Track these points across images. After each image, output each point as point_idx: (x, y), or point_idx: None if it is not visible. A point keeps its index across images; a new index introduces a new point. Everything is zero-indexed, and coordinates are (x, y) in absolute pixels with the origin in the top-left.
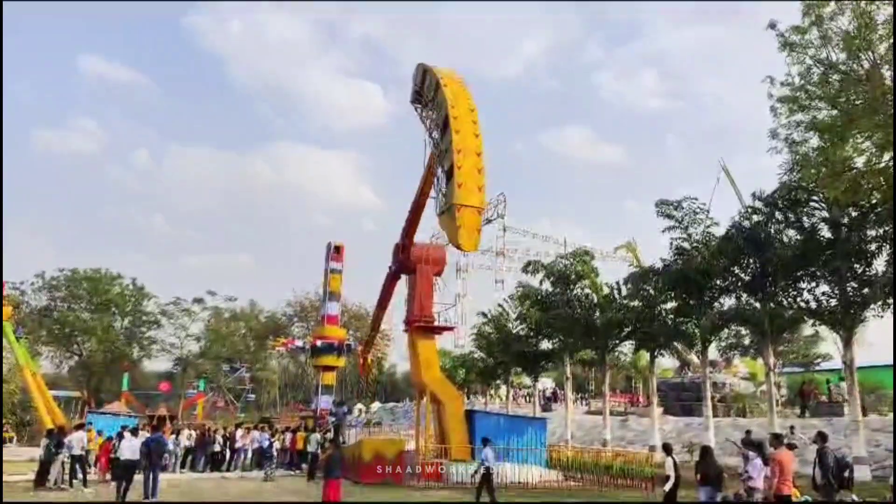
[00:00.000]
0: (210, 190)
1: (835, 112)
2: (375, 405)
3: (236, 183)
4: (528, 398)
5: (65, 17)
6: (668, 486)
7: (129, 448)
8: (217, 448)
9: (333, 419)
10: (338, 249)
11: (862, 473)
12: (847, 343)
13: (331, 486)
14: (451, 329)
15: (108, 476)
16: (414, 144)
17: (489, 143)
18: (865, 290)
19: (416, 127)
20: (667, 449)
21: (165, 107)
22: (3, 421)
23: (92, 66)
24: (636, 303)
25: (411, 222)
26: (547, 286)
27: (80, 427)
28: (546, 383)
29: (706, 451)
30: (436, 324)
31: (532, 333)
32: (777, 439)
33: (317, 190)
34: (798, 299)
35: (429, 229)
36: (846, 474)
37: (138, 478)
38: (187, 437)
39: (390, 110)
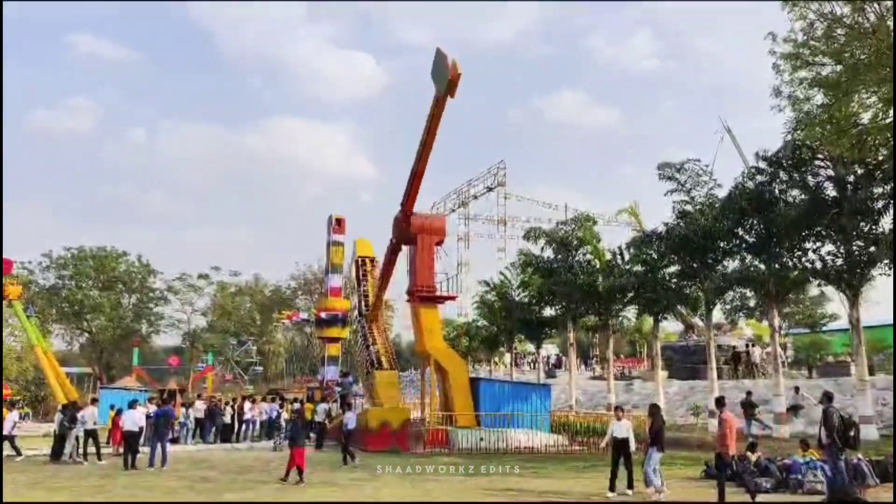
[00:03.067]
0: (206, 165)
1: (840, 67)
2: None
3: (232, 157)
4: (532, 365)
5: None
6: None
7: (130, 420)
8: (227, 420)
9: (340, 389)
10: (339, 222)
11: (869, 432)
12: (853, 302)
13: (297, 454)
14: (452, 298)
15: (122, 449)
16: (409, 115)
17: (483, 110)
18: (872, 249)
19: (410, 97)
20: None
21: (158, 83)
22: (19, 398)
23: (83, 44)
24: (639, 267)
25: (410, 192)
26: (549, 253)
27: (93, 402)
28: (550, 350)
29: (655, 411)
30: (438, 293)
31: (534, 301)
32: (720, 402)
33: (313, 163)
34: (803, 259)
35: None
36: (851, 433)
37: (146, 449)
38: (198, 410)
39: (384, 81)
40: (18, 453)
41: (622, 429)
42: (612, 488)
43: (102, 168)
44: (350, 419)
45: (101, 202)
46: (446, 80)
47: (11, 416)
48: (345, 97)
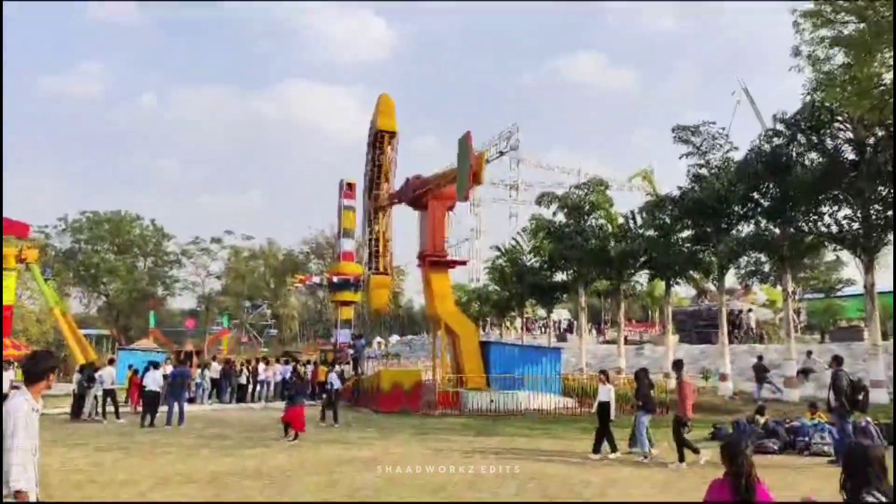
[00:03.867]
0: (218, 130)
1: (862, 25)
2: (394, 338)
3: (244, 121)
4: (543, 330)
5: None
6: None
7: (153, 380)
8: (242, 381)
9: (352, 352)
10: (350, 186)
11: (880, 396)
12: (868, 267)
13: (293, 412)
14: (463, 263)
15: (140, 408)
16: (419, 77)
17: (497, 72)
18: (889, 213)
19: (421, 60)
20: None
21: (168, 48)
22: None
23: (92, 8)
24: (651, 232)
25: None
26: (561, 217)
27: (111, 362)
28: (561, 315)
29: (641, 375)
30: (449, 258)
31: (546, 266)
32: (678, 366)
33: (325, 126)
34: (819, 224)
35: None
36: (860, 397)
37: (164, 408)
38: (214, 371)
39: (395, 43)
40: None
41: (605, 393)
42: (595, 450)
43: (114, 133)
44: (334, 379)
45: (113, 168)
46: (467, 167)
47: (7, 375)
48: (356, 60)
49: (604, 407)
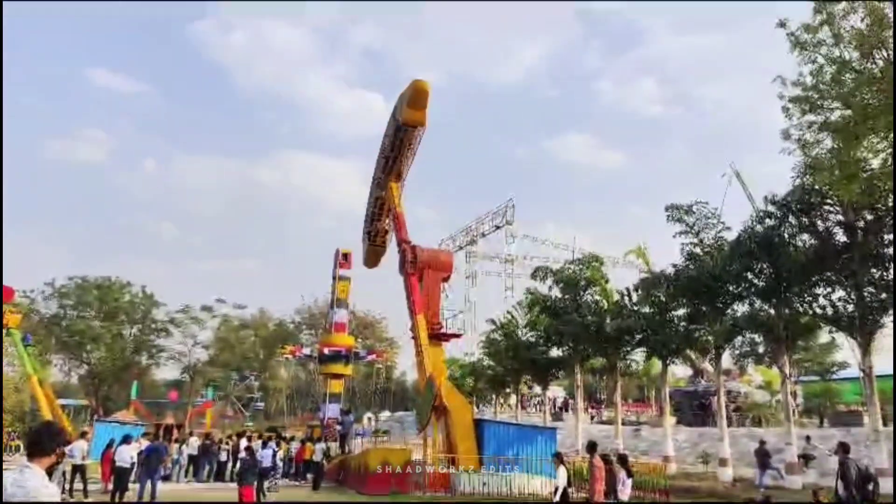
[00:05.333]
0: (217, 197)
1: (848, 112)
2: (385, 414)
3: (243, 190)
4: (538, 407)
5: (69, 30)
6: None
7: (121, 455)
8: (223, 457)
9: (340, 428)
10: (346, 256)
11: (885, 485)
12: (865, 350)
13: (245, 492)
14: (458, 336)
15: (111, 485)
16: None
17: (491, 149)
18: (884, 295)
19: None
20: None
21: (171, 116)
22: (13, 430)
23: (99, 77)
24: (647, 309)
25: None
26: (556, 292)
27: (83, 435)
28: (557, 392)
29: (592, 448)
30: (443, 330)
31: (542, 341)
32: (592, 447)
33: (322, 197)
34: (814, 305)
35: (432, 239)
36: (870, 487)
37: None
38: (192, 447)
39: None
40: None
41: (561, 476)
42: None
43: (114, 199)
44: (316, 451)
45: (112, 232)
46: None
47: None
48: (354, 134)
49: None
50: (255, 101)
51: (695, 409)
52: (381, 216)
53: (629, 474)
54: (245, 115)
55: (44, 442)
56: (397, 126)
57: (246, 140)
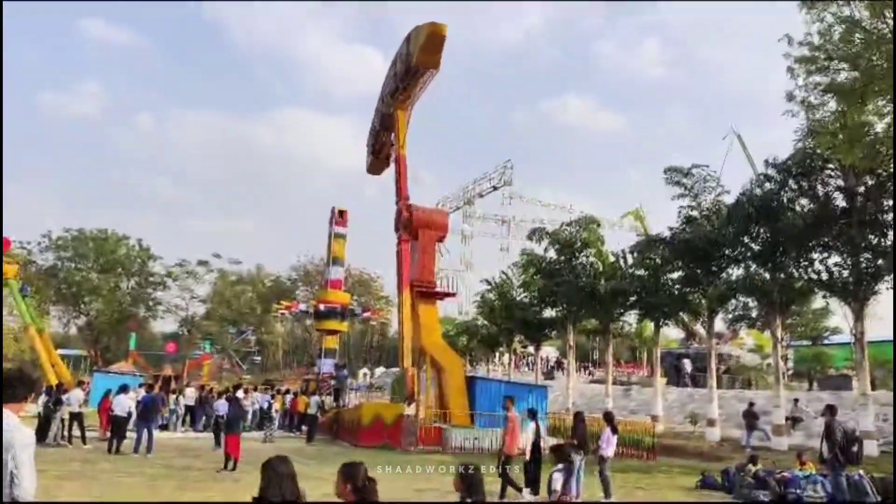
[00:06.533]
0: (212, 154)
1: (855, 73)
2: (380, 370)
3: (238, 147)
4: (530, 366)
5: None
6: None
7: (120, 404)
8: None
9: (335, 382)
10: (341, 214)
11: (869, 448)
12: (858, 316)
13: (230, 440)
14: (452, 295)
15: (108, 434)
16: (413, 111)
17: (490, 112)
18: (880, 262)
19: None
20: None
21: (167, 71)
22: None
23: (94, 29)
24: (642, 272)
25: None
26: (552, 254)
27: (80, 384)
28: (549, 352)
29: (578, 418)
30: (437, 289)
31: (536, 301)
32: (509, 400)
33: (318, 155)
34: (809, 270)
35: (429, 199)
36: (854, 448)
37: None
38: (189, 398)
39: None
40: None
41: (529, 431)
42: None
43: (109, 153)
44: (311, 404)
45: (107, 186)
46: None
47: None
48: (351, 91)
49: (535, 445)
50: (251, 58)
51: (669, 369)
52: (383, 132)
53: (614, 431)
54: (241, 72)
55: (16, 387)
56: (408, 66)
57: (242, 97)
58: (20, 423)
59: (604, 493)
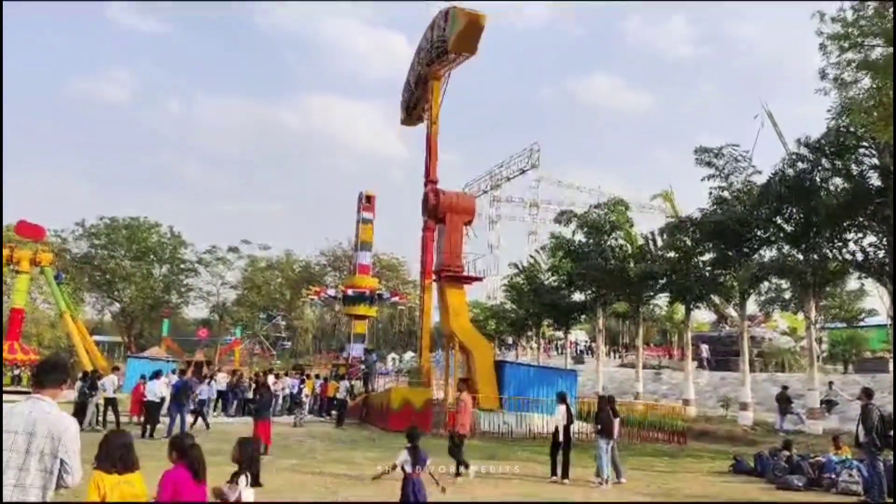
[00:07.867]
0: (240, 138)
1: (891, 49)
2: (408, 355)
3: (266, 131)
4: (559, 350)
5: None
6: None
7: (153, 390)
8: (250, 395)
9: (364, 367)
10: (369, 199)
11: None
12: (894, 297)
13: (260, 426)
14: (479, 279)
15: (142, 418)
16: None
17: (515, 90)
18: None
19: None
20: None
21: (193, 57)
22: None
23: (122, 16)
24: (672, 254)
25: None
26: (580, 237)
27: (115, 369)
28: (579, 336)
29: (604, 401)
30: (465, 274)
31: (564, 285)
32: (464, 382)
33: (346, 140)
34: (843, 251)
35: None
36: (892, 433)
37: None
38: (221, 383)
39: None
40: None
41: (560, 414)
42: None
43: (138, 139)
44: (340, 389)
45: (137, 172)
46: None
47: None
48: (377, 75)
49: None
50: (278, 42)
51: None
52: (418, 88)
53: (615, 414)
54: (268, 56)
55: (52, 373)
56: (444, 49)
57: (268, 81)
58: (61, 411)
59: (615, 475)
